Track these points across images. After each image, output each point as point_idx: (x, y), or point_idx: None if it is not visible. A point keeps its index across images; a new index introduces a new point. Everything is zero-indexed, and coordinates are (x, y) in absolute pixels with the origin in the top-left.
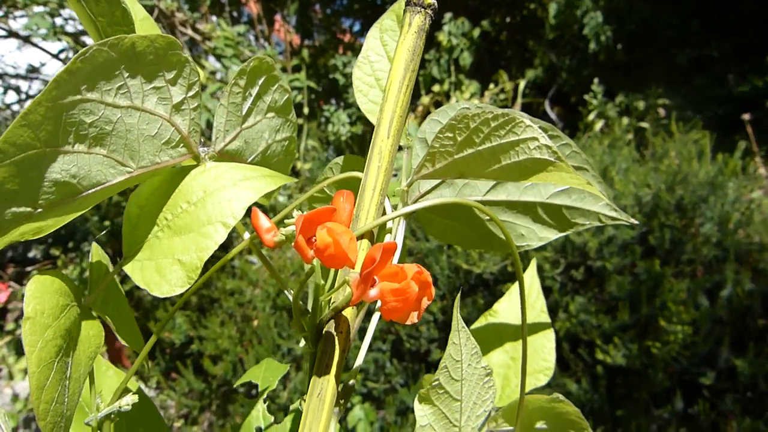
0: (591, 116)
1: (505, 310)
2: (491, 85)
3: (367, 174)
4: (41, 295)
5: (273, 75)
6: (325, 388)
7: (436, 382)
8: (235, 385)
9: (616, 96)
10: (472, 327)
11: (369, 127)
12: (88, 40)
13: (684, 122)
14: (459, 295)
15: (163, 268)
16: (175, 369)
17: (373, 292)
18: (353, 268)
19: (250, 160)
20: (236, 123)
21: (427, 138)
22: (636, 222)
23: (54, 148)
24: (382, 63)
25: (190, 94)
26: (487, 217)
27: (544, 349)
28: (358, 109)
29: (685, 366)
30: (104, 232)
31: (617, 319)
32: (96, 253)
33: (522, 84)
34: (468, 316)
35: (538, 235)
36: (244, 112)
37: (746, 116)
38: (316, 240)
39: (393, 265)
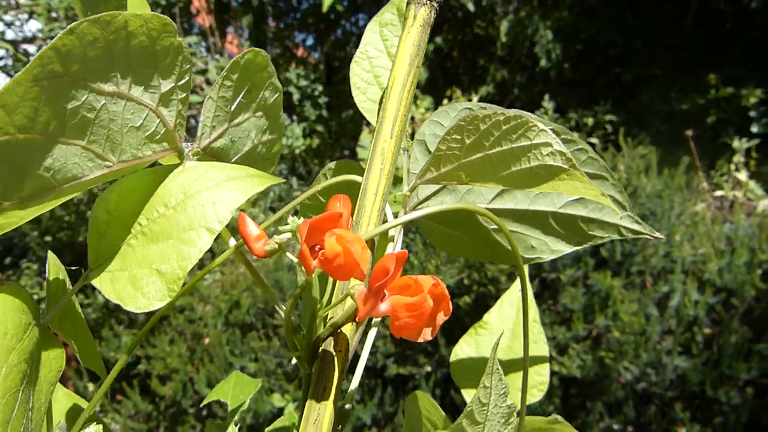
0: None
1: (496, 321)
2: (445, 101)
3: (368, 177)
4: (3, 314)
5: (267, 71)
6: (322, 414)
7: (459, 425)
8: (202, 404)
9: (566, 112)
10: (463, 339)
11: (323, 141)
12: (30, 48)
13: (631, 138)
14: (497, 341)
15: (139, 279)
16: (120, 390)
17: (383, 307)
18: (363, 280)
19: (233, 160)
20: (224, 119)
21: (427, 141)
22: (661, 236)
23: (29, 135)
24: (382, 59)
25: (180, 83)
26: (493, 226)
27: (537, 362)
28: (312, 122)
29: (636, 375)
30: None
31: (571, 330)
32: (53, 265)
33: (475, 100)
34: None
35: (551, 248)
36: (233, 108)
37: (689, 132)
38: (321, 249)
39: (405, 277)
